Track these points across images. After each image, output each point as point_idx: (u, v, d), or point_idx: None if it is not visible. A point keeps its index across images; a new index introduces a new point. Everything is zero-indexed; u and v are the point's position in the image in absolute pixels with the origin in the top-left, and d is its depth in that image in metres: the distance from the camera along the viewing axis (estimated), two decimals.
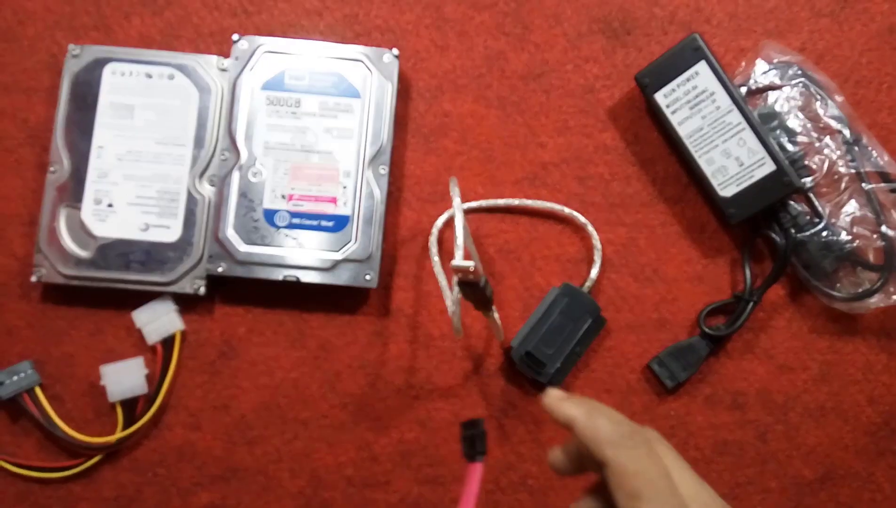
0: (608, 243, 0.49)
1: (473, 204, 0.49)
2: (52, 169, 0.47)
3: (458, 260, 0.36)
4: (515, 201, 0.49)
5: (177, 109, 0.48)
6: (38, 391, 0.47)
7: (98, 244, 0.47)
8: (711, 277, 0.49)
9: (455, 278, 0.38)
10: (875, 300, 0.47)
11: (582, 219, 0.49)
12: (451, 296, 0.44)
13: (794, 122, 0.48)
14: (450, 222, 0.49)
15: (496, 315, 0.45)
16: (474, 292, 0.38)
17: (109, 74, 0.48)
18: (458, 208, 0.38)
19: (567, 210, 0.49)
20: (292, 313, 0.49)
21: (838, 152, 0.48)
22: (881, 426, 0.49)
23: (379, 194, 0.47)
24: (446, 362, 0.49)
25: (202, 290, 0.47)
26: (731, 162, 0.47)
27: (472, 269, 0.35)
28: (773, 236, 0.47)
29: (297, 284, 0.46)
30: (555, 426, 0.47)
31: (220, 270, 0.46)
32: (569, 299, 0.47)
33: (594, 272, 0.48)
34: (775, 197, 0.46)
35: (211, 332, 0.49)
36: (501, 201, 0.49)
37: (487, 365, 0.49)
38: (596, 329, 0.47)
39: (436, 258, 0.48)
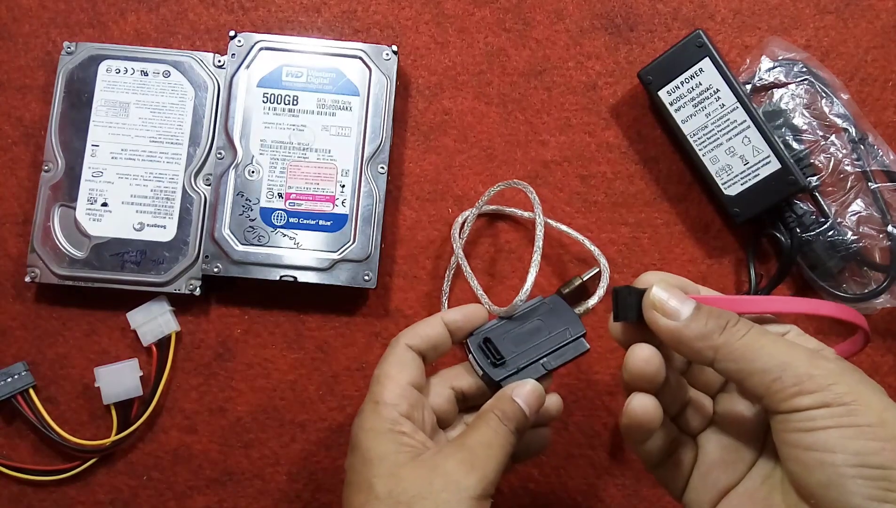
0: (611, 243, 0.49)
1: (489, 208, 0.49)
2: (46, 168, 0.46)
3: None
4: (528, 215, 0.48)
5: (172, 106, 0.47)
6: (32, 392, 0.46)
7: (92, 244, 0.46)
8: (716, 277, 0.49)
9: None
10: (881, 301, 0.46)
11: (596, 252, 0.46)
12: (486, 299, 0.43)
13: (800, 120, 0.47)
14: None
15: None
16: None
17: (104, 72, 0.47)
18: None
19: (588, 244, 0.47)
20: (289, 314, 0.48)
21: (844, 151, 0.47)
22: None
23: (378, 193, 0.46)
24: (445, 363, 0.48)
25: (198, 290, 0.46)
26: (736, 160, 0.46)
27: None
28: (779, 235, 0.47)
29: (295, 284, 0.46)
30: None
31: (216, 270, 0.46)
32: (552, 310, 0.41)
33: (592, 302, 0.44)
34: (780, 196, 0.46)
35: (207, 333, 0.48)
36: (507, 210, 0.49)
37: None
38: (573, 350, 0.40)
39: (464, 263, 0.45)
